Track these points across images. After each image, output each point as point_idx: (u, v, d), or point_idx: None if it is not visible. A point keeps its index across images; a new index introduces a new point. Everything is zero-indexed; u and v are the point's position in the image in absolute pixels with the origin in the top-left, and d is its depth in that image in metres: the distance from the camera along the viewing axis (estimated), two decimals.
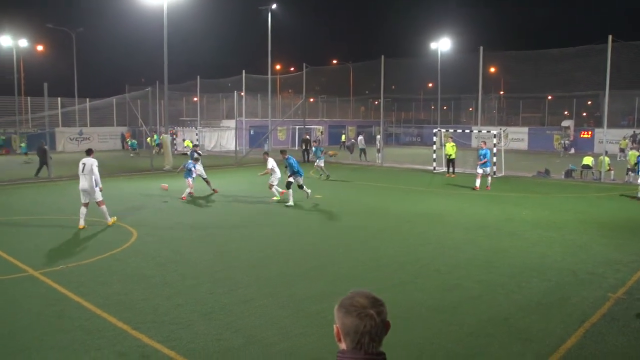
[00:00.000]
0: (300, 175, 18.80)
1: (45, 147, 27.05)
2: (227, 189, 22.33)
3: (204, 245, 13.01)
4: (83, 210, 14.78)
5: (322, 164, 27.12)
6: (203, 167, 22.09)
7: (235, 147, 38.63)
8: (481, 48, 30.12)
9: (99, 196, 14.85)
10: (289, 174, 18.78)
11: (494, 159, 26.46)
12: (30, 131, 44.58)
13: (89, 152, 15.22)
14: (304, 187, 19.13)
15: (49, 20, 60.04)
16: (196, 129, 45.36)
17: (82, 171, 14.70)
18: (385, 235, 13.94)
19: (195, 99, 49.21)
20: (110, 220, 15.16)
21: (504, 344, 7.27)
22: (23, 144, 41.52)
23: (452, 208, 18.04)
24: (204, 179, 21.57)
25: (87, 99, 49.59)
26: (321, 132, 50.62)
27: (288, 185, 18.66)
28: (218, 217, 16.70)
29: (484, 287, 9.64)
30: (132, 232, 14.10)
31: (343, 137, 48.92)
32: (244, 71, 43.46)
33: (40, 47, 63.81)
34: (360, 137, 39.59)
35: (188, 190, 20.01)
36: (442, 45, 52.63)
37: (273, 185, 19.46)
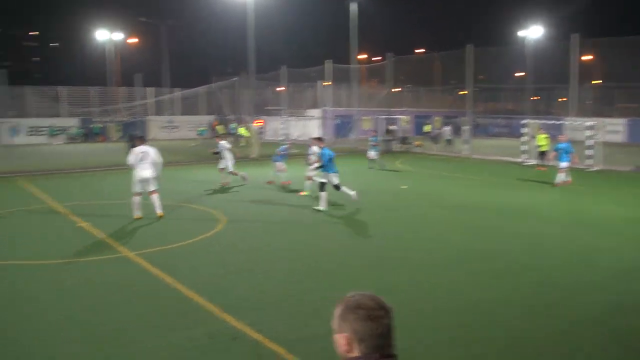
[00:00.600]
0: (332, 172, 15.66)
1: (135, 134, 28.07)
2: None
3: (289, 235, 13.14)
4: (137, 199, 14.15)
5: (375, 155, 26.19)
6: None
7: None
8: (577, 35, 28.74)
9: (155, 185, 14.30)
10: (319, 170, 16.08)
11: (589, 151, 25.26)
12: (124, 120, 46.55)
13: (142, 140, 14.62)
14: (343, 188, 15.93)
15: (141, 14, 62.37)
16: (281, 118, 46.01)
17: (142, 160, 13.93)
18: (472, 228, 13.55)
19: (280, 88, 49.82)
20: (160, 212, 14.25)
21: (600, 346, 6.89)
22: (120, 132, 43.32)
23: (544, 201, 17.32)
24: (221, 168, 20.46)
25: (176, 89, 51.27)
26: (406, 122, 50.04)
27: (322, 187, 15.58)
28: (308, 206, 16.72)
29: (580, 285, 9.18)
30: (219, 219, 14.39)
31: (427, 127, 48.15)
32: (327, 61, 43.58)
33: (132, 40, 66.53)
34: (447, 128, 38.81)
35: (282, 175, 20.16)
36: (533, 32, 50.73)
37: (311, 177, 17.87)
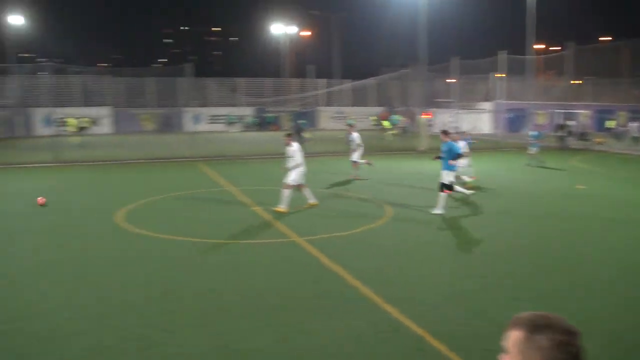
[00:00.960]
0: (449, 169, 14.08)
1: (301, 124, 29.01)
2: (487, 174, 21.15)
3: (458, 232, 12.81)
4: (308, 190, 14.73)
5: (535, 151, 24.08)
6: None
7: (493, 131, 37.41)
8: None
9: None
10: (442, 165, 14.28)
11: None
12: (296, 110, 48.34)
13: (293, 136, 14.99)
14: (458, 187, 14.73)
15: (314, 8, 64.27)
16: (451, 110, 45.07)
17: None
18: None
19: (451, 80, 48.72)
20: (280, 208, 14.05)
21: None
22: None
23: None
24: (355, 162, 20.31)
25: (346, 80, 52.20)
26: (586, 117, 46.60)
27: (448, 186, 14.07)
28: (485, 201, 16.19)
29: None
30: (386, 210, 14.39)
31: (610, 123, 44.47)
32: (500, 51, 41.77)
33: (305, 33, 68.83)
34: (635, 124, 35.52)
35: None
36: None
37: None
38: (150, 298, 8.12)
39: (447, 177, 13.99)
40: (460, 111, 44.48)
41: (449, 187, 13.97)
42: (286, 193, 14.06)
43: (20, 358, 6.31)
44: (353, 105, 53.47)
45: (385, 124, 41.46)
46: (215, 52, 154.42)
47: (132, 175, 22.03)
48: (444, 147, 14.11)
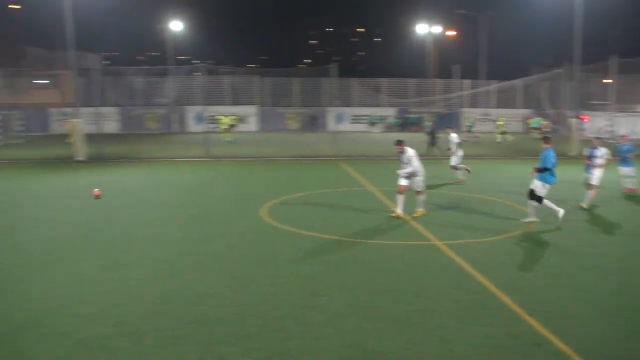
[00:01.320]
0: (544, 181, 12.68)
1: (431, 126, 28.65)
2: None
3: (607, 244, 11.99)
4: (423, 198, 14.06)
5: None
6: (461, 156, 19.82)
7: None
8: None
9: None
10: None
11: None
12: (439, 111, 47.60)
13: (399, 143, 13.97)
14: (548, 202, 12.83)
15: (460, 6, 62.73)
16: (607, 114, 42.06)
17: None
18: None
19: (607, 80, 45.48)
20: (397, 212, 13.67)
21: None
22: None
23: None
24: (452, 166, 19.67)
25: (492, 81, 50.49)
26: None
27: (537, 197, 12.76)
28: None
29: None
30: (531, 218, 13.68)
31: None
32: None
33: (451, 32, 67.40)
34: None
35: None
36: None
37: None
38: (289, 292, 8.41)
39: (539, 188, 12.66)
40: (617, 114, 41.47)
41: (537, 197, 12.74)
42: (400, 196, 13.62)
43: (169, 340, 6.81)
44: (498, 107, 51.68)
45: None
46: (359, 53, 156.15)
47: (276, 172, 22.93)
48: (541, 155, 12.85)
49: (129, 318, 7.38)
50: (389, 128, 48.86)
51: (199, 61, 47.50)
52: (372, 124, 49.58)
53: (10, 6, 65.56)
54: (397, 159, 14.10)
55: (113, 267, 9.67)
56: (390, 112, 50.38)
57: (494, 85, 49.92)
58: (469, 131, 40.53)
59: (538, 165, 12.74)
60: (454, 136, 19.88)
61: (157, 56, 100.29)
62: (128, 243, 11.37)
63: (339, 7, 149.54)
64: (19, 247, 11.07)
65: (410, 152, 13.67)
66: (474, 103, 51.57)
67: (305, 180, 20.87)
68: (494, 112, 50.66)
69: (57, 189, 18.38)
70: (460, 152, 19.66)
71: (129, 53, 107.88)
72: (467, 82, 51.24)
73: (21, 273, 9.38)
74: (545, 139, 13.19)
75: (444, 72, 56.14)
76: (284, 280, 8.95)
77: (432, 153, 27.03)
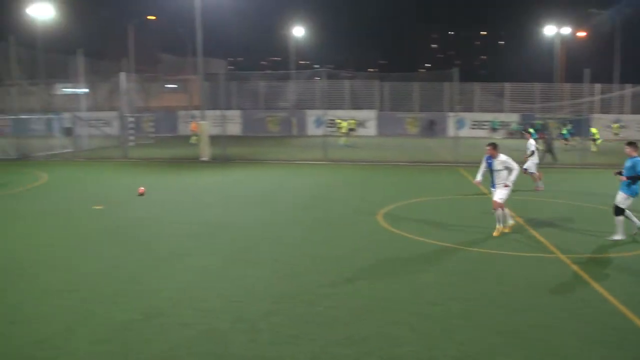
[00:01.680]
0: (629, 193, 11.66)
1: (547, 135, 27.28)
2: None
3: None
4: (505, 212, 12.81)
5: None
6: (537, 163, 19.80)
7: None
8: None
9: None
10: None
11: None
12: (566, 117, 45.31)
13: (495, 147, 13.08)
14: (630, 215, 12.08)
15: (592, 5, 59.39)
16: None
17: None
18: None
19: None
20: (500, 228, 12.63)
21: None
22: (565, 130, 42.02)
23: None
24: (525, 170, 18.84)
25: (627, 85, 47.34)
26: None
27: (619, 211, 11.82)
28: None
29: None
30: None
31: None
32: None
33: (581, 34, 63.88)
34: None
35: None
36: None
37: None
38: (404, 299, 8.39)
39: (623, 201, 11.71)
40: None
41: (621, 211, 11.76)
42: (499, 212, 12.57)
43: (285, 338, 7.02)
44: (633, 112, 48.40)
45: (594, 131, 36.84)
46: (480, 57, 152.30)
47: (394, 177, 22.92)
48: (627, 163, 11.67)
49: (246, 315, 7.70)
50: (511, 134, 47.17)
51: (319, 66, 48.52)
52: (494, 129, 48.08)
53: (147, 17, 70.24)
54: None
55: (235, 265, 10.13)
56: (513, 118, 48.68)
57: (628, 90, 46.77)
58: (564, 138, 37.90)
59: (626, 173, 11.56)
60: (531, 142, 19.79)
61: (279, 61, 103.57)
62: (252, 242, 11.87)
63: (461, 10, 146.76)
64: (147, 242, 11.88)
65: (502, 157, 12.80)
66: (606, 109, 48.53)
67: (423, 185, 20.70)
68: (627, 118, 47.58)
69: (187, 187, 19.48)
70: (535, 159, 19.56)
71: (252, 58, 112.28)
72: (597, 87, 48.38)
73: (150, 265, 10.08)
74: (632, 145, 11.82)
75: (573, 75, 53.33)
76: (398, 286, 8.95)
77: (546, 161, 25.85)
